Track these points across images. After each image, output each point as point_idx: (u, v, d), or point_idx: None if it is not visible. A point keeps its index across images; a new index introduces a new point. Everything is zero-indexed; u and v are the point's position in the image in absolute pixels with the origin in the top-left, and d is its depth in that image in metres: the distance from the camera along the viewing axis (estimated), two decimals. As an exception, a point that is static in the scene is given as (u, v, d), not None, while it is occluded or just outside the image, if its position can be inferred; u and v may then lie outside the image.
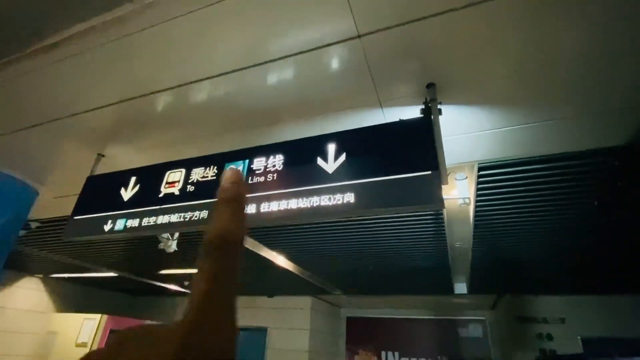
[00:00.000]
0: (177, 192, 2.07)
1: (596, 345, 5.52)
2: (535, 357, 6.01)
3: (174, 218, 1.97)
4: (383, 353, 8.58)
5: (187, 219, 1.93)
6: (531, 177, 2.56)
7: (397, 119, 1.85)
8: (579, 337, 5.53)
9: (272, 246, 4.62)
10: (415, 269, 5.26)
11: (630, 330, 5.49)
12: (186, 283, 7.25)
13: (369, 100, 2.00)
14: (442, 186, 1.51)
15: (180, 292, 8.15)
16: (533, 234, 3.58)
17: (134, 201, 2.19)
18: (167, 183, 2.14)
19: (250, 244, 4.35)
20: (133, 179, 2.29)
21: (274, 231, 4.05)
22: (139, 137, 2.50)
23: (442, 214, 3.27)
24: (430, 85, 1.86)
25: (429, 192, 1.51)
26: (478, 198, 2.88)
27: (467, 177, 2.69)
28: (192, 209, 1.95)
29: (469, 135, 2.21)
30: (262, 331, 7.78)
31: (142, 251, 5.11)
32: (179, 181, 2.11)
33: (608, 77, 1.76)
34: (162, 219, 2.00)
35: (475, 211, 3.11)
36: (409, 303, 8.36)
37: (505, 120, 2.08)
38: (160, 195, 2.11)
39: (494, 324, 8.15)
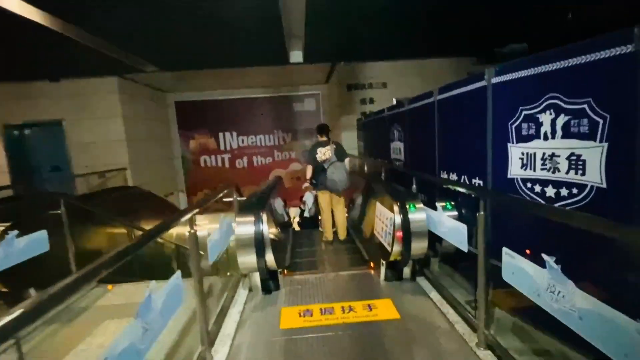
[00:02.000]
0: None
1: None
2: (357, 119, 6.62)
3: None
4: (220, 134, 8.33)
5: None
6: None
7: None
8: (394, 99, 6.12)
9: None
10: (243, 29, 4.14)
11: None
12: None
13: None
14: None
15: None
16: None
17: None
18: None
19: None
20: None
21: None
22: None
23: None
24: None
25: None
26: None
27: None
28: None
29: None
30: (55, 125, 6.05)
31: None
32: None
33: None
34: None
35: None
36: (243, 82, 7.72)
37: None
38: None
39: (326, 97, 8.55)
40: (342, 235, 4.54)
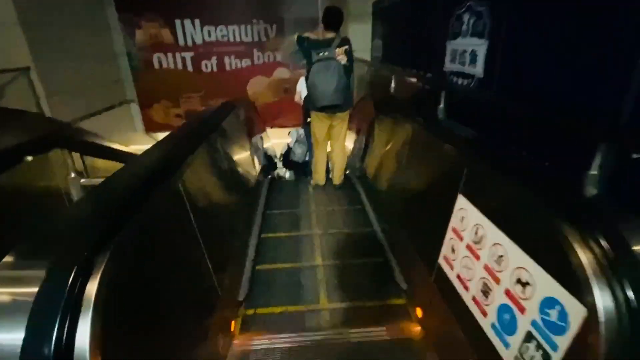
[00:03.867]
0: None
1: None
2: (373, 2, 4.46)
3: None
4: (177, 22, 6.00)
5: None
6: None
7: None
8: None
9: None
10: None
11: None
12: None
13: None
14: None
15: None
16: None
17: None
18: None
19: None
20: None
21: None
22: None
23: None
24: None
25: None
26: None
27: None
28: None
29: None
30: None
31: None
32: None
33: None
34: None
35: None
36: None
37: None
38: None
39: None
40: (338, 179, 3.19)
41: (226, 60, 6.25)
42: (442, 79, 2.49)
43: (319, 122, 3.19)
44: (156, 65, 6.21)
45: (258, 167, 3.46)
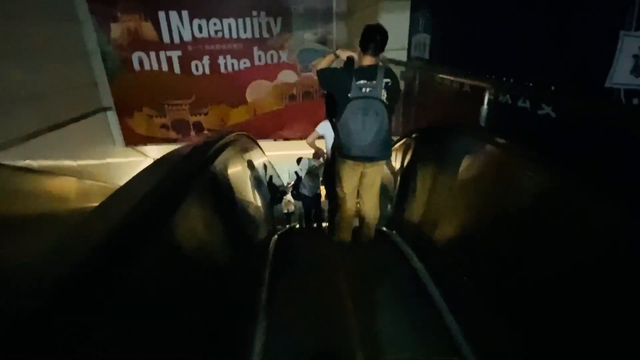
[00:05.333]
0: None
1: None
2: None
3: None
4: (161, 14, 4.94)
5: None
6: None
7: None
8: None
9: None
10: None
11: None
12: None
13: None
14: None
15: None
16: None
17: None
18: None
19: None
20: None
21: None
22: None
23: None
24: None
25: None
26: None
27: None
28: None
29: None
30: None
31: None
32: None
33: None
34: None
35: None
36: None
37: None
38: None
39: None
40: (369, 235, 2.52)
41: (221, 60, 5.19)
42: (604, 101, 1.43)
43: (348, 171, 2.28)
44: (136, 67, 5.15)
45: (262, 220, 2.43)
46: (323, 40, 5.06)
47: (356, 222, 2.66)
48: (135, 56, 5.10)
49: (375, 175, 2.34)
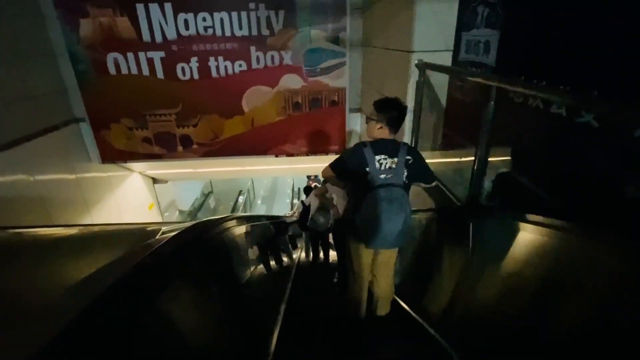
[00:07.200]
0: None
1: None
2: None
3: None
4: (140, 7, 4.11)
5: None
6: None
7: None
8: None
9: None
10: None
11: None
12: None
13: None
14: None
15: None
16: None
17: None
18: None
19: None
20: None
21: None
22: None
23: None
24: None
25: None
26: None
27: None
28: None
29: None
30: None
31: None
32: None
33: None
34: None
35: None
36: None
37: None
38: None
39: None
40: (385, 309, 2.17)
41: (212, 63, 4.35)
42: None
43: (363, 253, 1.98)
44: (112, 70, 4.34)
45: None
46: (334, 39, 4.19)
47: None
48: (110, 58, 4.28)
49: (392, 253, 2.03)
